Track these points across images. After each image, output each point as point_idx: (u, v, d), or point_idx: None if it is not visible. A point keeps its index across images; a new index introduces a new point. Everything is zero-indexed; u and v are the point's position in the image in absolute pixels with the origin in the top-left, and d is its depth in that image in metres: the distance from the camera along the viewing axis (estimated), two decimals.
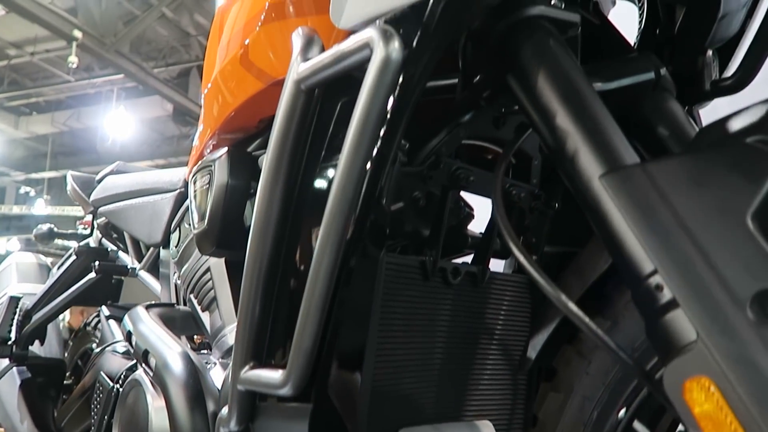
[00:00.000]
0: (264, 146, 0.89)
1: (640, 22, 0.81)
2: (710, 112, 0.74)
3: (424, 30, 0.49)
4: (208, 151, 0.96)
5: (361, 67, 0.51)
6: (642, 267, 0.43)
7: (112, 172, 1.59)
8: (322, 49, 0.59)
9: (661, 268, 0.41)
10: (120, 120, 12.33)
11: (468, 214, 0.86)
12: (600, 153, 0.50)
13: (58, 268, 1.63)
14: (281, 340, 0.61)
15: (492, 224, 0.78)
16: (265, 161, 0.61)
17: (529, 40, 0.57)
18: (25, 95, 13.09)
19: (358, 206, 0.52)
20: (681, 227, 0.41)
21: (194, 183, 0.96)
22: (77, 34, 9.90)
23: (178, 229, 1.14)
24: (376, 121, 0.50)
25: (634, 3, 0.81)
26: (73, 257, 1.52)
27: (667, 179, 0.43)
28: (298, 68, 0.57)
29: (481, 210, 0.84)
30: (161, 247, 1.29)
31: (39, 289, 1.57)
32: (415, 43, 0.49)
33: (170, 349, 0.87)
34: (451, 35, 0.55)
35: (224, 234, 0.89)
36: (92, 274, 1.40)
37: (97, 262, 1.39)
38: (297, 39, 0.61)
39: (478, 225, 0.85)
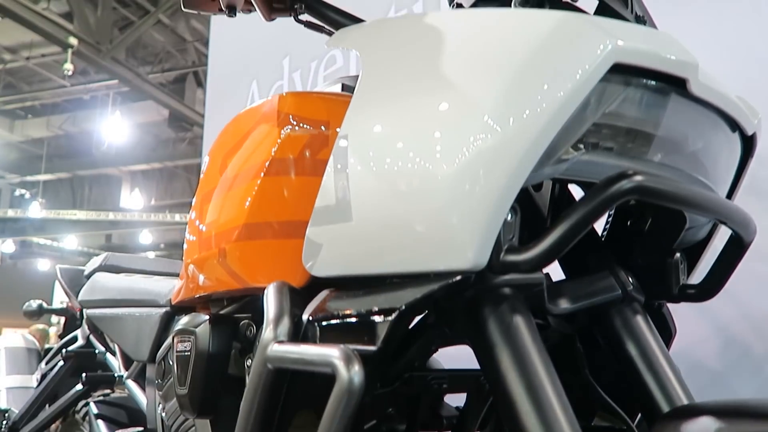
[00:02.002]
0: (247, 311, 0.90)
1: (609, 215, 0.82)
2: None
3: (384, 349, 0.51)
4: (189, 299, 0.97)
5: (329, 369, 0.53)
6: None
7: (101, 267, 1.59)
8: (295, 321, 0.60)
9: None
10: (115, 124, 12.29)
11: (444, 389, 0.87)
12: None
13: (47, 363, 1.64)
14: None
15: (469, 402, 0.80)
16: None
17: (492, 313, 0.58)
18: (20, 99, 13.04)
19: None
20: None
21: (175, 342, 0.97)
22: (73, 41, 9.86)
23: (162, 362, 1.15)
24: None
25: None
26: (61, 362, 1.53)
27: None
28: (269, 347, 0.59)
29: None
30: (147, 362, 1.30)
31: (28, 381, 1.58)
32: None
33: None
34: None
35: (205, 402, 0.91)
36: (79, 386, 1.42)
37: (84, 375, 1.40)
38: (271, 298, 0.62)
39: None
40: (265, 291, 0.66)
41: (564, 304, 0.70)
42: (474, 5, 0.72)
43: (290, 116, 0.74)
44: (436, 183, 0.54)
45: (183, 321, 0.98)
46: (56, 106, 13.54)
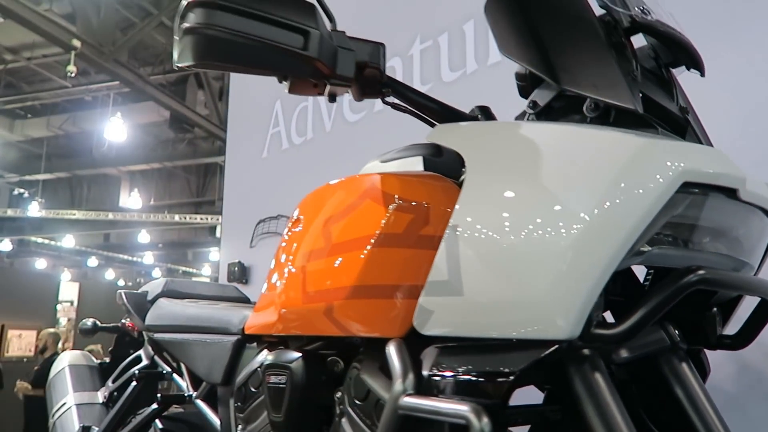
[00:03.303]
0: (332, 348, 1.04)
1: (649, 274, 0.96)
2: None
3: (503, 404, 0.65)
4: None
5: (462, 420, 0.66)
6: None
7: (163, 292, 1.72)
8: (416, 374, 0.74)
9: None
10: (116, 125, 12.35)
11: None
12: None
13: (113, 381, 1.77)
14: None
15: None
16: None
17: (577, 372, 0.72)
18: (20, 98, 13.08)
19: None
20: None
21: (267, 374, 1.10)
22: (76, 43, 9.91)
23: (243, 387, 1.28)
24: None
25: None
26: (134, 383, 1.66)
27: None
28: (400, 399, 0.73)
29: None
30: (219, 385, 1.43)
31: (94, 397, 1.71)
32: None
33: None
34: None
35: (299, 427, 1.05)
36: (155, 405, 1.55)
37: (159, 395, 1.53)
38: (395, 354, 0.76)
39: None
40: (388, 346, 0.80)
41: (624, 354, 0.84)
42: (547, 107, 0.86)
43: (395, 196, 0.87)
44: (541, 268, 0.67)
45: (274, 356, 1.11)
46: (56, 106, 13.58)
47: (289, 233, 1.13)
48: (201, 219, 14.98)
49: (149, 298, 1.75)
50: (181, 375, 1.63)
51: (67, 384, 1.83)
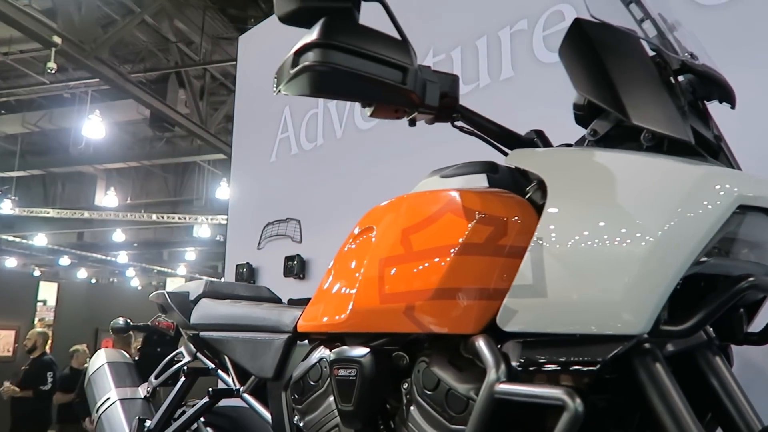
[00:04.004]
0: (396, 344, 1.16)
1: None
2: None
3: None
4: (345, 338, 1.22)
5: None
6: None
7: (205, 293, 1.82)
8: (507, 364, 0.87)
9: None
10: (94, 122, 12.21)
11: None
12: None
13: (156, 377, 1.86)
14: None
15: None
16: None
17: (641, 364, 0.86)
18: None
19: None
20: None
21: (335, 367, 1.22)
22: (56, 39, 9.80)
23: (301, 380, 1.39)
24: None
25: None
26: (183, 378, 1.76)
27: None
28: (496, 386, 0.86)
29: None
30: (270, 379, 1.54)
31: (136, 392, 1.80)
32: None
33: None
34: None
35: (368, 415, 1.17)
36: (206, 399, 1.64)
37: (210, 389, 1.63)
38: (485, 347, 0.89)
39: None
40: (477, 340, 0.93)
41: (671, 348, 0.98)
42: (605, 135, 1.00)
43: (476, 211, 1.01)
44: (620, 274, 0.81)
45: (339, 352, 1.23)
46: (32, 102, 13.37)
47: (358, 240, 1.25)
48: (179, 218, 14.89)
49: (191, 298, 1.84)
50: (225, 371, 1.73)
51: (109, 380, 1.92)
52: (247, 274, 3.37)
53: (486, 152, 1.21)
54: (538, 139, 1.15)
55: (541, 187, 1.06)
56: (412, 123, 1.09)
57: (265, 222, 3.40)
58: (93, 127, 12.27)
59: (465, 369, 1.06)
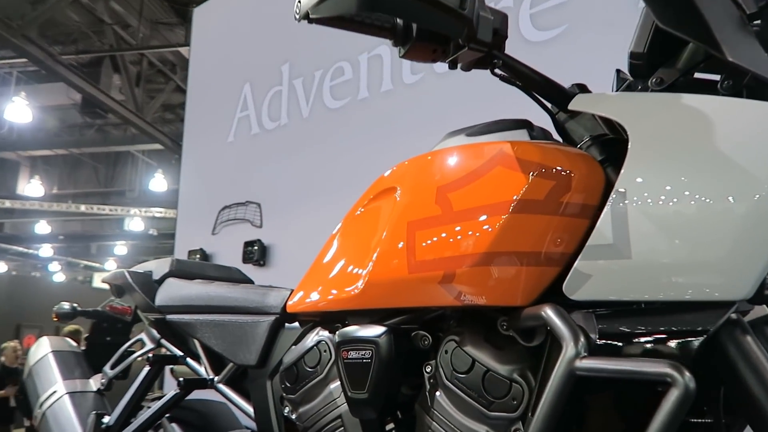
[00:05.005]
0: (414, 323, 1.01)
1: None
2: None
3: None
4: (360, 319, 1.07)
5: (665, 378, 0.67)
6: None
7: (171, 272, 1.62)
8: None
9: None
10: (19, 105, 11.44)
11: None
12: None
13: (112, 367, 1.64)
14: None
15: None
16: None
17: (730, 337, 0.75)
18: None
19: None
20: None
21: (343, 350, 1.06)
22: None
23: (294, 366, 1.23)
24: None
25: None
26: (147, 368, 1.54)
27: None
28: (576, 361, 0.73)
29: None
30: (253, 367, 1.37)
31: (87, 385, 1.57)
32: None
33: None
34: None
35: (385, 403, 1.03)
36: (177, 390, 1.44)
37: (181, 379, 1.43)
38: (557, 319, 0.76)
39: None
40: (544, 311, 0.79)
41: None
42: (673, 85, 0.89)
43: (535, 164, 0.87)
44: (722, 232, 0.70)
45: (348, 332, 1.08)
46: None
47: (375, 203, 1.09)
48: (110, 210, 14.19)
49: (156, 277, 1.64)
50: (196, 359, 1.54)
51: (54, 372, 1.68)
52: (201, 260, 3.14)
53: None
54: (581, 92, 1.04)
55: (597, 143, 0.95)
56: (453, 65, 0.95)
57: (221, 205, 3.18)
58: (17, 110, 11.49)
59: (505, 347, 0.93)
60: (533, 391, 0.87)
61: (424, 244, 0.94)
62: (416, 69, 2.51)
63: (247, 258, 2.92)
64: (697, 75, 0.94)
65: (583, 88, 1.05)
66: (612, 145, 0.93)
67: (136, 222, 15.56)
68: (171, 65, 12.22)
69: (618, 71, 1.05)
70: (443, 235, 0.92)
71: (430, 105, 2.36)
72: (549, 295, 0.87)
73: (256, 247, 2.88)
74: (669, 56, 0.94)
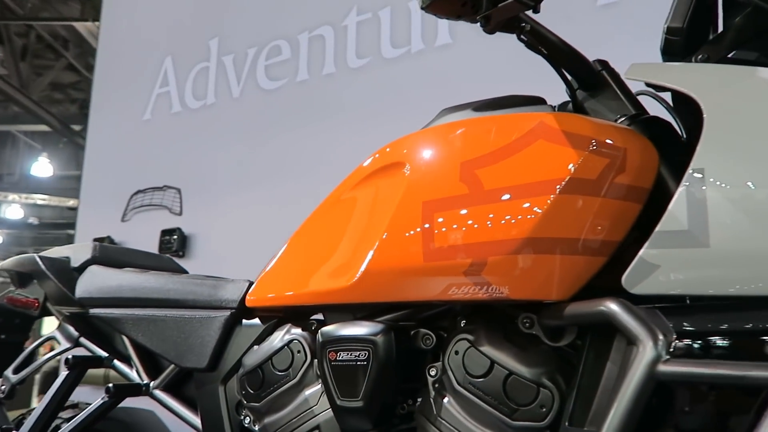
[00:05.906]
0: (412, 320, 0.89)
1: None
2: None
3: None
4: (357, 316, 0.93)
5: None
6: None
7: (93, 259, 1.38)
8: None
9: None
10: None
11: None
12: None
13: (15, 371, 1.36)
14: None
15: None
16: None
17: None
18: None
19: None
20: None
21: (329, 350, 0.92)
22: None
23: (259, 370, 1.06)
24: None
25: None
26: (65, 372, 1.28)
27: None
28: (657, 365, 0.62)
29: None
30: (201, 371, 1.18)
31: None
32: None
33: None
34: None
35: (382, 411, 0.90)
36: (105, 398, 1.21)
37: (111, 385, 1.20)
38: (628, 316, 0.66)
39: None
40: (610, 307, 0.68)
41: None
42: (725, 57, 0.82)
43: (585, 138, 0.77)
44: None
45: (336, 329, 0.93)
46: None
47: (375, 181, 0.95)
48: None
49: (75, 264, 1.40)
50: (125, 361, 1.32)
51: None
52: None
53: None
54: (604, 71, 0.95)
55: (637, 122, 0.86)
56: (486, 22, 0.82)
57: (133, 189, 2.87)
58: None
59: (528, 347, 0.82)
60: (565, 396, 0.77)
61: (444, 228, 0.81)
62: (362, 53, 2.38)
63: (164, 248, 2.64)
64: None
65: (605, 65, 0.97)
66: (653, 125, 0.85)
67: (14, 209, 14.26)
68: (63, 41, 11.27)
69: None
70: (471, 217, 0.80)
71: (376, 91, 2.24)
72: (585, 290, 0.78)
73: (175, 236, 2.61)
74: (705, 33, 0.88)
